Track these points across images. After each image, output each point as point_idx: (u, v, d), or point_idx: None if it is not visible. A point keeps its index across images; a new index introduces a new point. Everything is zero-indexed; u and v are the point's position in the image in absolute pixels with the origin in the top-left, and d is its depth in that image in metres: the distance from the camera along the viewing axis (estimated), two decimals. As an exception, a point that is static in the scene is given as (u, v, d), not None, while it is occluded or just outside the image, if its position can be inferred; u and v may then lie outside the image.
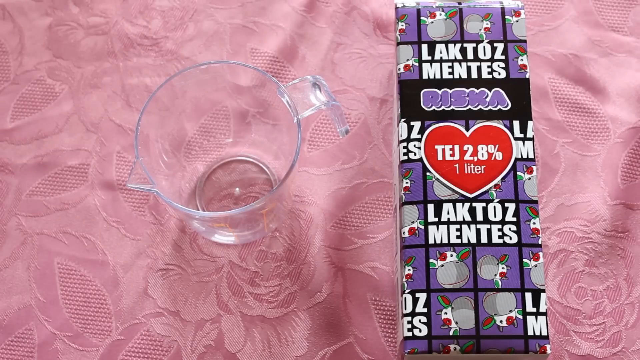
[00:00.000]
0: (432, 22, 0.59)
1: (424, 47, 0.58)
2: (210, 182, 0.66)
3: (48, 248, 0.64)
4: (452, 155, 0.56)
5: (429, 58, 0.58)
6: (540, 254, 0.54)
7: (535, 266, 0.54)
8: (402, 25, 0.59)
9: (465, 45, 0.58)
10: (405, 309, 0.53)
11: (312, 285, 0.62)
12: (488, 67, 0.58)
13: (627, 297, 0.61)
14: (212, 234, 0.63)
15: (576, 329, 0.60)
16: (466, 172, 0.56)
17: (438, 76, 0.58)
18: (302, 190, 0.65)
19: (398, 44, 0.59)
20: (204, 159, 0.66)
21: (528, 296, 0.53)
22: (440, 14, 0.59)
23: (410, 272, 0.54)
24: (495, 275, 0.53)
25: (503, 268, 0.54)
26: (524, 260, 0.54)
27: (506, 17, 0.59)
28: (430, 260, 0.54)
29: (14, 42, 0.71)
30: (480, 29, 0.59)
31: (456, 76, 0.58)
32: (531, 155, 0.56)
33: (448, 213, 0.55)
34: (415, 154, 0.56)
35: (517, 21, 0.59)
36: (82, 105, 0.68)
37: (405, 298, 0.53)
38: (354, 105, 0.68)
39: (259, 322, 0.61)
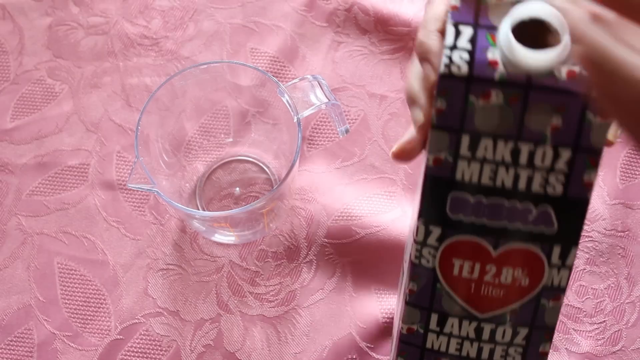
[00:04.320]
0: (482, 107, 0.41)
1: (465, 139, 0.42)
2: (210, 182, 0.66)
3: (48, 248, 0.64)
4: (471, 273, 0.47)
5: (469, 154, 0.42)
6: None
7: None
8: (441, 103, 0.41)
9: (520, 145, 0.42)
10: None
11: (314, 283, 0.62)
12: (543, 178, 0.42)
13: (627, 296, 0.61)
14: (212, 234, 0.63)
15: (577, 327, 0.60)
16: (482, 293, 0.47)
17: (475, 180, 0.44)
18: (302, 189, 0.65)
19: (433, 126, 0.43)
20: (204, 158, 0.66)
21: None
22: (498, 95, 0.40)
23: None
24: None
25: None
26: None
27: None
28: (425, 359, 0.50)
29: (14, 42, 0.71)
30: (546, 126, 0.41)
31: (498, 184, 0.43)
32: (563, 284, 0.46)
33: (452, 327, 0.48)
34: (428, 262, 0.47)
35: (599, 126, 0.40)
36: (82, 105, 0.68)
37: None
38: (354, 102, 0.68)
39: (259, 321, 0.61)
